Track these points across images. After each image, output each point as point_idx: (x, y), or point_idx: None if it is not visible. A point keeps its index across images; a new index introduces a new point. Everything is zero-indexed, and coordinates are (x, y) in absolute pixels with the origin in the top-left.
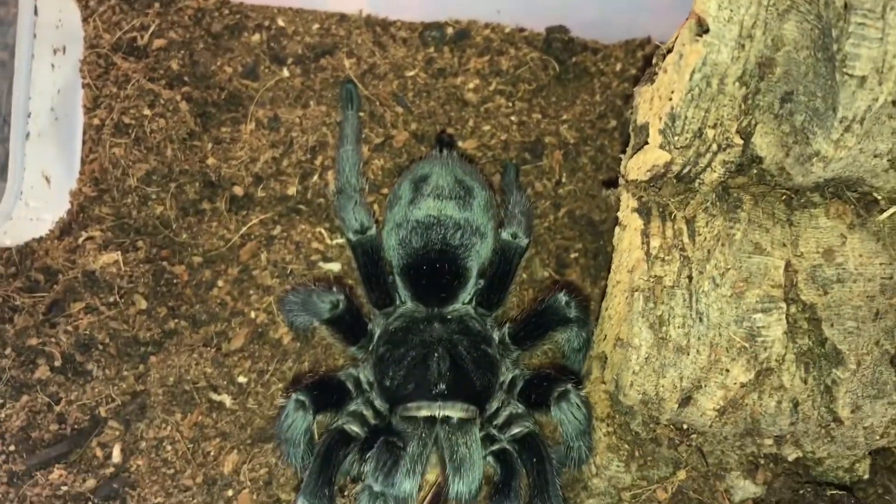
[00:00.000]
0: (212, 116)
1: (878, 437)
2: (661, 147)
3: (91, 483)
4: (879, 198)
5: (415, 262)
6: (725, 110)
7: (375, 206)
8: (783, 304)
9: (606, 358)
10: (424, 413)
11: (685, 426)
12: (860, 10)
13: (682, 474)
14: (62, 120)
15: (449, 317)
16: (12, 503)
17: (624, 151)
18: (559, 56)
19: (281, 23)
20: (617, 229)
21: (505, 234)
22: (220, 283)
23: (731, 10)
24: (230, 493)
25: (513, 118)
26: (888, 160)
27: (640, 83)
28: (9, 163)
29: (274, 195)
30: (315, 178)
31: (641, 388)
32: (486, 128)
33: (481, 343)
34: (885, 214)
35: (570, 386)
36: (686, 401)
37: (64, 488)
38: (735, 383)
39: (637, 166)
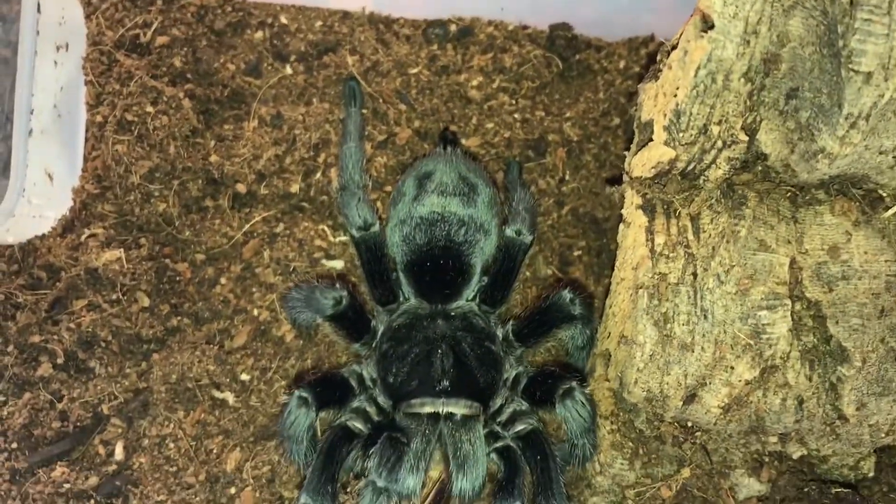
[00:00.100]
0: (214, 114)
1: (883, 435)
2: (666, 144)
3: (93, 480)
4: (884, 195)
5: (419, 259)
6: (730, 107)
7: (379, 204)
8: (788, 302)
9: (610, 355)
10: (428, 409)
11: (689, 424)
12: (866, 5)
13: (686, 472)
14: (65, 117)
15: (452, 314)
16: (14, 500)
17: (628, 149)
18: (562, 53)
19: (284, 20)
20: (621, 226)
21: (509, 231)
22: (222, 280)
23: (737, 7)
24: (233, 490)
25: (516, 115)
26: (893, 157)
27: (644, 80)
28: (11, 160)
29: (277, 192)
30: (318, 175)
31: (646, 386)
32: (490, 125)
33: (485, 340)
34: (891, 212)
35: (574, 383)
36: (690, 398)
37: (66, 486)
38: (740, 381)
39: (641, 163)
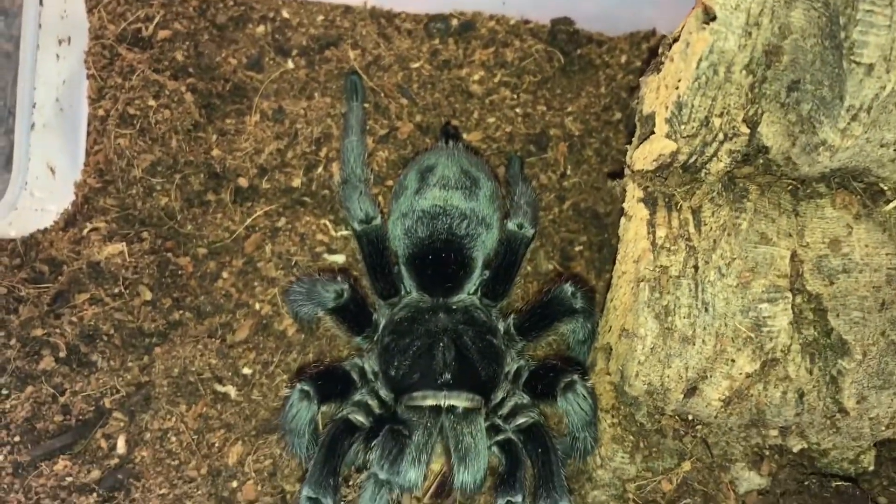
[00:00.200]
0: (216, 108)
1: (883, 428)
2: (668, 136)
3: (96, 474)
4: (885, 188)
5: (420, 252)
6: (732, 99)
7: (380, 198)
8: (789, 295)
9: (611, 349)
10: (430, 402)
11: (690, 417)
12: None
13: (686, 465)
14: (67, 111)
15: (454, 307)
16: (17, 494)
17: (629, 143)
18: (564, 48)
19: (285, 14)
20: (622, 220)
21: (511, 225)
22: (224, 274)
23: None
24: (234, 484)
25: (518, 110)
26: (895, 150)
27: (646, 73)
28: (14, 153)
29: (279, 187)
30: (320, 169)
31: (647, 379)
32: (491, 120)
33: (486, 333)
34: (892, 205)
35: (576, 376)
36: (691, 391)
37: (69, 479)
38: (741, 374)
39: (643, 156)
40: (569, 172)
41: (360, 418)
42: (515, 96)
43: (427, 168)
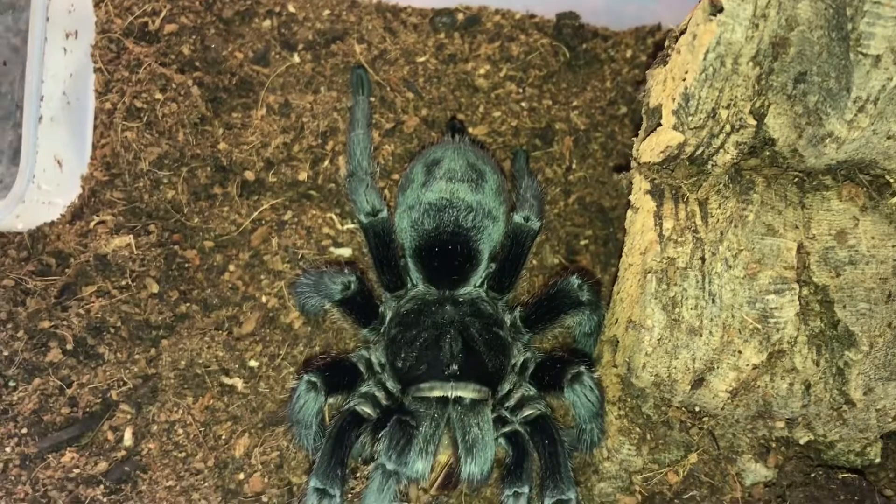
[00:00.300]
0: (223, 102)
1: (890, 420)
2: (675, 128)
3: (103, 466)
4: (892, 180)
5: (427, 245)
6: (739, 90)
7: (386, 192)
8: (796, 286)
9: (618, 342)
10: (437, 393)
11: (697, 409)
12: None
13: (693, 457)
14: (74, 104)
15: (461, 299)
16: (24, 486)
17: (635, 137)
18: (570, 42)
19: (291, 9)
20: (629, 212)
21: (517, 218)
22: (231, 267)
23: None
24: (241, 476)
25: (523, 104)
26: None
27: (652, 65)
28: (21, 146)
29: (285, 180)
30: (326, 163)
31: (654, 370)
32: (497, 114)
33: (493, 325)
34: None
35: (583, 368)
36: (698, 382)
37: (76, 471)
38: (747, 365)
39: (650, 148)
40: (574, 166)
41: (367, 410)
42: (521, 90)
43: (433, 161)
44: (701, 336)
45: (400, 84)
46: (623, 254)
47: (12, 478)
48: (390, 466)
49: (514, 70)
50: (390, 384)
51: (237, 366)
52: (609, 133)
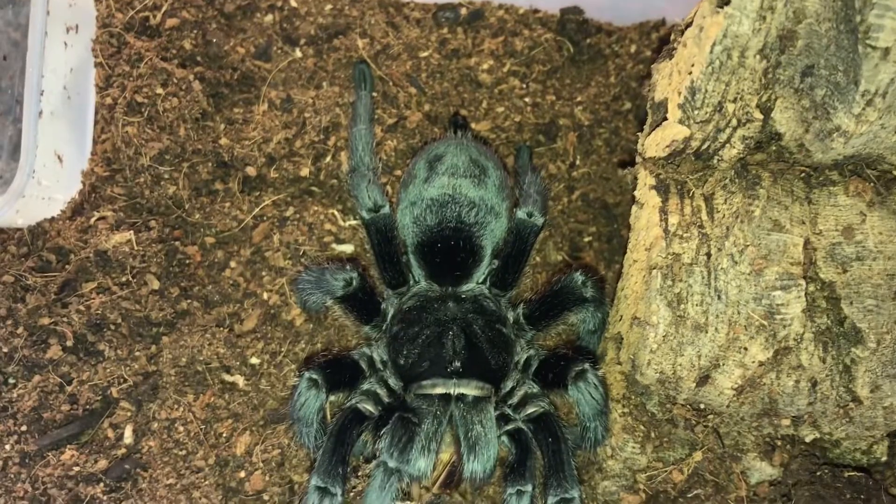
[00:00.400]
0: (224, 97)
1: None
2: (681, 122)
3: (103, 464)
4: None
5: (429, 240)
6: (746, 84)
7: (388, 188)
8: (802, 282)
9: (622, 339)
10: (439, 390)
11: (702, 406)
12: None
13: (698, 456)
14: (74, 99)
15: (463, 296)
16: (24, 483)
17: (639, 133)
18: (573, 37)
19: (293, 3)
20: (634, 208)
21: (520, 214)
22: (232, 263)
23: None
24: (242, 474)
25: (527, 100)
26: None
27: (658, 59)
28: (21, 140)
29: (287, 176)
30: (328, 159)
31: (659, 367)
32: (500, 109)
33: (496, 322)
34: None
35: (587, 365)
36: (704, 380)
37: (76, 469)
38: (753, 362)
39: (655, 143)
40: (578, 162)
41: (368, 407)
42: (524, 86)
43: (436, 157)
44: (706, 333)
45: (402, 79)
46: (627, 250)
47: (12, 476)
48: (392, 464)
49: (517, 65)
50: (392, 381)
51: (238, 363)
52: (613, 129)
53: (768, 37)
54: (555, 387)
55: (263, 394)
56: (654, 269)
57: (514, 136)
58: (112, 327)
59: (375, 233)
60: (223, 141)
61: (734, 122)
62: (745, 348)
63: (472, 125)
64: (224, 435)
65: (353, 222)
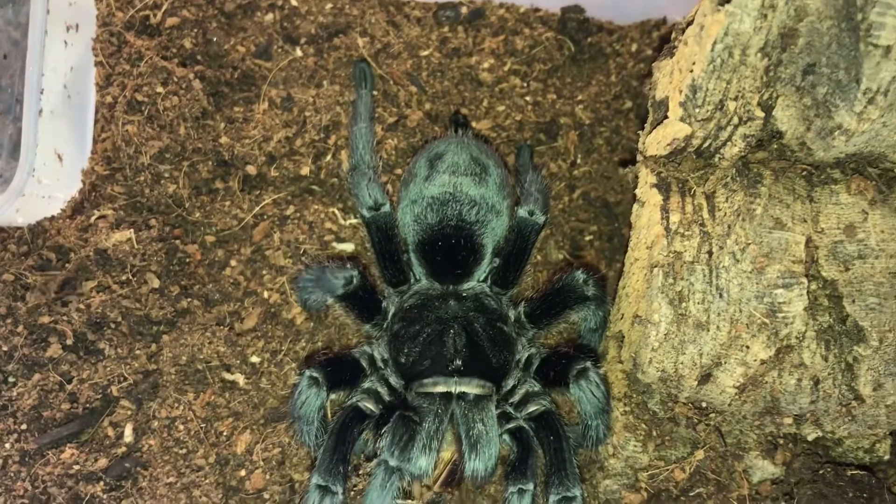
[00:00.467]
0: (225, 96)
1: None
2: (682, 120)
3: (103, 462)
4: None
5: (430, 239)
6: (747, 82)
7: (389, 186)
8: (804, 280)
9: (623, 337)
10: (441, 389)
11: (704, 405)
12: None
13: (699, 454)
14: (74, 98)
15: (464, 294)
16: (24, 482)
17: (640, 131)
18: (574, 36)
19: (294, 2)
20: (635, 206)
21: (522, 212)
22: (232, 262)
23: None
24: (243, 472)
25: (527, 98)
26: None
27: (659, 58)
28: (21, 139)
29: (287, 175)
30: (328, 157)
31: (660, 366)
32: (501, 108)
33: (497, 321)
34: None
35: (589, 363)
36: (706, 378)
37: (76, 467)
38: (755, 360)
39: (656, 141)
40: (579, 161)
41: (369, 405)
42: (525, 85)
43: (437, 155)
44: (708, 331)
45: (403, 78)
46: (629, 248)
47: (11, 474)
48: (393, 463)
49: (518, 64)
50: (393, 380)
51: (238, 361)
52: (614, 128)
53: (770, 35)
54: (556, 385)
55: (264, 392)
56: (656, 267)
57: (515, 134)
58: (112, 326)
59: (376, 231)
60: (223, 140)
61: (735, 120)
62: (747, 346)
63: (473, 124)
64: (224, 433)
65: (354, 221)
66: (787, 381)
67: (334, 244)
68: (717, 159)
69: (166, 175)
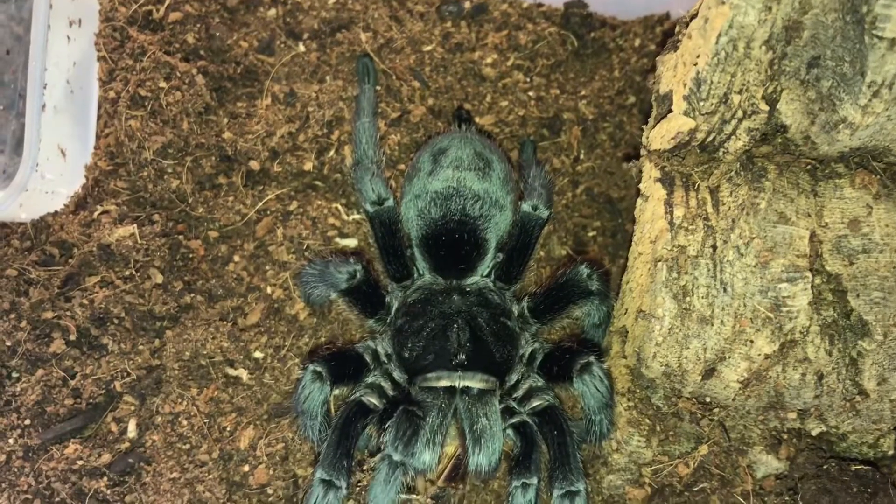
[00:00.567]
0: (228, 91)
1: None
2: (686, 114)
3: (106, 458)
4: None
5: (434, 233)
6: (751, 75)
7: (392, 182)
8: (808, 274)
9: (627, 332)
10: (444, 383)
11: (708, 399)
12: None
13: (703, 449)
14: (77, 93)
15: (468, 289)
16: (28, 477)
17: (644, 126)
18: (577, 31)
19: None
20: (639, 201)
21: (525, 207)
22: (236, 258)
23: None
24: (246, 468)
25: (531, 94)
26: None
27: (663, 51)
28: (25, 134)
29: (290, 170)
30: (331, 153)
31: (664, 360)
32: (504, 103)
33: (500, 315)
34: None
35: (592, 358)
36: (709, 373)
37: (79, 463)
38: (759, 355)
39: (660, 135)
40: (582, 157)
41: (373, 400)
42: (528, 80)
43: (440, 150)
44: (712, 325)
45: (406, 73)
46: (633, 243)
47: (15, 469)
48: (397, 457)
49: (521, 59)
50: (397, 374)
51: (242, 357)
52: (617, 123)
53: (774, 27)
54: (560, 380)
55: (267, 388)
56: (660, 261)
57: (518, 130)
58: (115, 321)
59: (379, 226)
60: (226, 135)
61: (740, 113)
62: (751, 341)
63: (476, 119)
64: (228, 429)
65: (357, 216)
66: (791, 375)
67: (337, 240)
68: (721, 153)
69: (169, 170)
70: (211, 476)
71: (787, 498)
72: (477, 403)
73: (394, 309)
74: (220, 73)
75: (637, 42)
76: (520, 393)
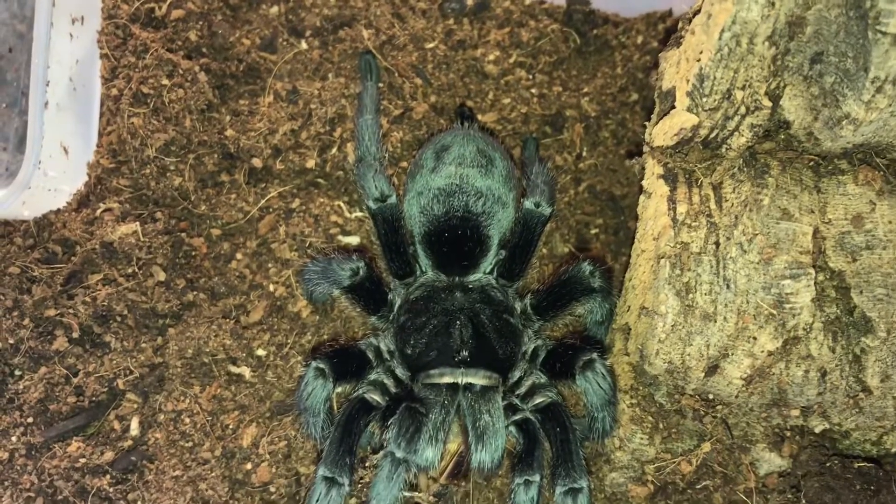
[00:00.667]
0: (230, 88)
1: None
2: (689, 110)
3: (109, 456)
4: None
5: (436, 230)
6: (754, 71)
7: (395, 179)
8: (812, 271)
9: (630, 329)
10: (447, 380)
11: (711, 396)
12: None
13: (706, 447)
14: (80, 91)
15: (470, 286)
16: (30, 475)
17: (646, 123)
18: (580, 28)
19: None
20: (642, 197)
21: (528, 204)
22: (238, 255)
23: None
24: (249, 466)
25: (533, 91)
26: None
27: (666, 48)
28: (27, 132)
29: (293, 168)
30: (334, 150)
31: (667, 357)
32: (506, 100)
33: (503, 312)
34: None
35: (595, 355)
36: (713, 369)
37: (82, 461)
38: (762, 351)
39: (663, 132)
40: (584, 154)
41: (375, 397)
42: (531, 77)
43: (443, 147)
44: (715, 322)
45: (408, 70)
46: (635, 240)
47: (18, 467)
48: (399, 454)
49: (523, 56)
50: (399, 371)
51: (244, 355)
52: (620, 120)
53: (777, 23)
54: (562, 377)
55: (270, 385)
56: (663, 258)
57: (521, 127)
58: (118, 319)
59: (382, 222)
60: (229, 132)
61: (743, 109)
62: (754, 338)
63: (479, 116)
64: (230, 427)
65: (360, 214)
66: (794, 372)
67: (340, 237)
68: (724, 149)
69: (172, 168)
70: (213, 474)
71: (789, 495)
72: (480, 400)
73: (396, 306)
74: (222, 71)
75: (640, 39)
76: (522, 390)
